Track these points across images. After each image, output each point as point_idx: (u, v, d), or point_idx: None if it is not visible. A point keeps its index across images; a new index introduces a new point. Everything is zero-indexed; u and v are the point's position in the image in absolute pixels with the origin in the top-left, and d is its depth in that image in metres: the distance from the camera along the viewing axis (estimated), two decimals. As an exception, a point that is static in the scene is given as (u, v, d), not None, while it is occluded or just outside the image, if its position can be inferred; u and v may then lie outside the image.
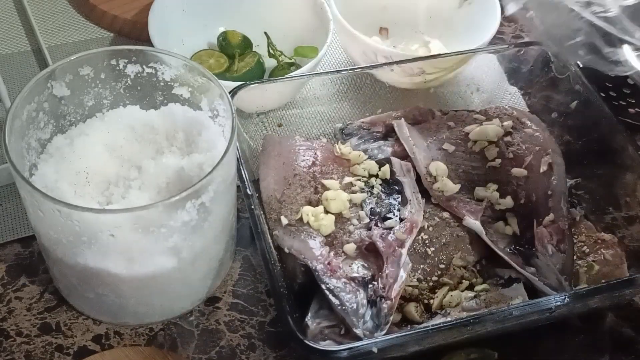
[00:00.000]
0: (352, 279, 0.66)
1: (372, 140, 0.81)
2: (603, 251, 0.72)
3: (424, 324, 0.66)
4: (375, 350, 0.60)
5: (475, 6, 0.93)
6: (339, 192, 0.71)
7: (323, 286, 0.65)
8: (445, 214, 0.73)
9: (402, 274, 0.66)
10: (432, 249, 0.70)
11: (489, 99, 0.88)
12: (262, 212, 0.71)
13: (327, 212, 0.70)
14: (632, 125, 0.87)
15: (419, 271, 0.69)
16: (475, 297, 0.67)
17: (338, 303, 0.64)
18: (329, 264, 0.66)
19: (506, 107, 0.83)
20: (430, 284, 0.69)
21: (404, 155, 0.78)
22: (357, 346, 0.60)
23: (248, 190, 0.69)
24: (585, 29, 0.59)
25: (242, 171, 0.70)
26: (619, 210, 0.77)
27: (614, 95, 0.88)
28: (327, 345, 0.62)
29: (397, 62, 0.82)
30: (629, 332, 0.73)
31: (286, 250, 0.68)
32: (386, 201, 0.73)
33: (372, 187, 0.75)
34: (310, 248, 0.68)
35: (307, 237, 0.68)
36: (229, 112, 0.65)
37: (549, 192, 0.74)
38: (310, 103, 0.86)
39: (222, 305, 0.72)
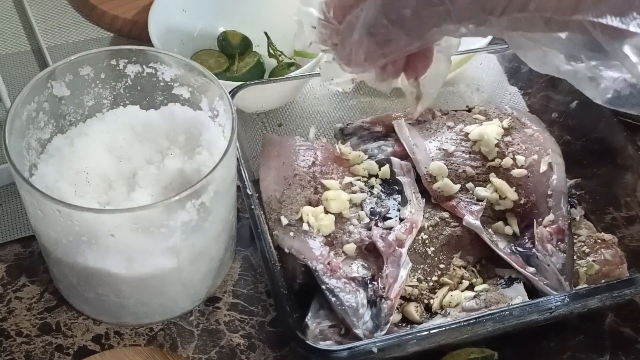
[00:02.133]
0: (352, 279, 0.66)
1: (372, 140, 0.81)
2: (603, 251, 0.72)
3: (424, 324, 0.66)
4: (375, 350, 0.60)
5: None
6: (339, 192, 0.71)
7: (323, 286, 0.65)
8: (445, 214, 0.73)
9: (402, 274, 0.66)
10: (432, 249, 0.70)
11: (489, 99, 0.88)
12: (262, 212, 0.71)
13: (327, 212, 0.70)
14: (632, 125, 0.87)
15: (419, 271, 0.69)
16: (475, 297, 0.67)
17: (338, 303, 0.64)
18: (329, 264, 0.66)
19: (506, 107, 0.83)
20: (430, 284, 0.69)
21: (404, 155, 0.78)
22: (357, 346, 0.60)
23: (248, 190, 0.69)
24: None
25: (242, 171, 0.70)
26: (619, 210, 0.77)
27: (614, 95, 0.88)
28: (327, 345, 0.62)
29: (397, 62, 0.82)
30: (629, 332, 0.73)
31: (286, 250, 0.68)
32: (386, 201, 0.73)
33: (372, 187, 0.75)
34: (310, 248, 0.68)
35: (307, 237, 0.68)
36: (229, 112, 0.65)
37: (549, 192, 0.74)
38: (310, 103, 0.86)
39: (222, 305, 0.72)
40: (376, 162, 0.77)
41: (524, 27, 0.47)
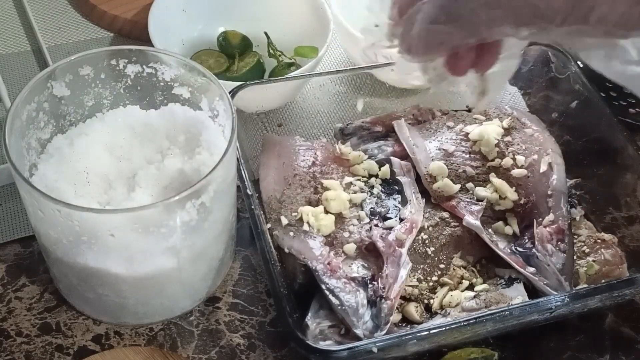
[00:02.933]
0: (352, 279, 0.66)
1: (372, 140, 0.81)
2: (603, 251, 0.72)
3: (424, 324, 0.66)
4: (375, 350, 0.60)
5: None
6: (339, 192, 0.71)
7: (323, 286, 0.65)
8: (445, 214, 0.73)
9: (402, 274, 0.66)
10: (432, 249, 0.70)
11: (489, 99, 0.88)
12: (262, 212, 0.71)
13: (327, 212, 0.70)
14: (632, 125, 0.87)
15: (419, 271, 0.69)
16: (475, 297, 0.67)
17: (338, 303, 0.64)
18: (329, 264, 0.66)
19: (506, 107, 0.83)
20: (430, 284, 0.69)
21: (404, 155, 0.78)
22: (357, 346, 0.60)
23: (248, 190, 0.69)
24: None
25: (242, 171, 0.70)
26: (619, 210, 0.77)
27: (614, 95, 0.88)
28: (327, 345, 0.62)
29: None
30: (629, 332, 0.73)
31: (286, 250, 0.68)
32: (386, 201, 0.73)
33: (372, 187, 0.75)
34: (310, 248, 0.68)
35: (307, 237, 0.68)
36: (229, 112, 0.65)
37: (549, 192, 0.74)
38: (310, 103, 0.86)
39: (222, 305, 0.72)
40: (376, 162, 0.77)
41: (584, 35, 0.49)
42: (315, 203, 0.71)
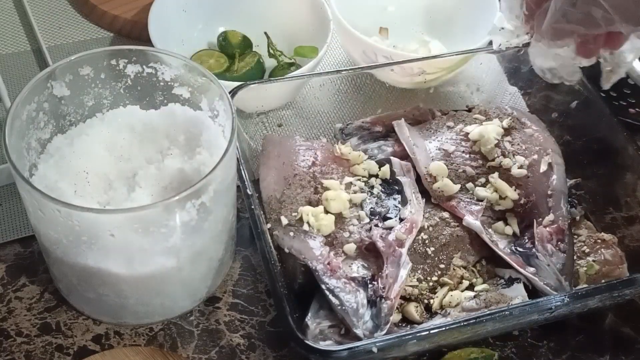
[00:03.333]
0: (352, 279, 0.66)
1: (372, 140, 0.81)
2: (603, 251, 0.72)
3: (424, 324, 0.66)
4: (375, 350, 0.60)
5: (475, 6, 0.93)
6: (339, 192, 0.71)
7: (323, 286, 0.65)
8: (445, 214, 0.73)
9: (402, 274, 0.66)
10: (432, 249, 0.70)
11: (489, 99, 0.88)
12: (262, 212, 0.71)
13: (327, 212, 0.70)
14: (632, 125, 0.87)
15: (419, 271, 0.69)
16: (475, 297, 0.67)
17: (338, 303, 0.64)
18: (329, 264, 0.66)
19: (506, 107, 0.83)
20: (430, 284, 0.69)
21: (404, 155, 0.78)
22: (357, 346, 0.60)
23: (248, 190, 0.69)
24: None
25: (242, 171, 0.70)
26: (619, 210, 0.77)
27: (614, 95, 0.88)
28: (327, 345, 0.62)
29: (397, 62, 0.82)
30: (629, 332, 0.73)
31: (286, 250, 0.68)
32: (386, 201, 0.73)
33: (372, 187, 0.75)
34: (310, 248, 0.68)
35: (307, 237, 0.68)
36: (229, 112, 0.65)
37: (549, 192, 0.74)
38: (310, 103, 0.86)
39: (222, 305, 0.72)
40: (376, 162, 0.77)
41: None
42: (315, 203, 0.71)
